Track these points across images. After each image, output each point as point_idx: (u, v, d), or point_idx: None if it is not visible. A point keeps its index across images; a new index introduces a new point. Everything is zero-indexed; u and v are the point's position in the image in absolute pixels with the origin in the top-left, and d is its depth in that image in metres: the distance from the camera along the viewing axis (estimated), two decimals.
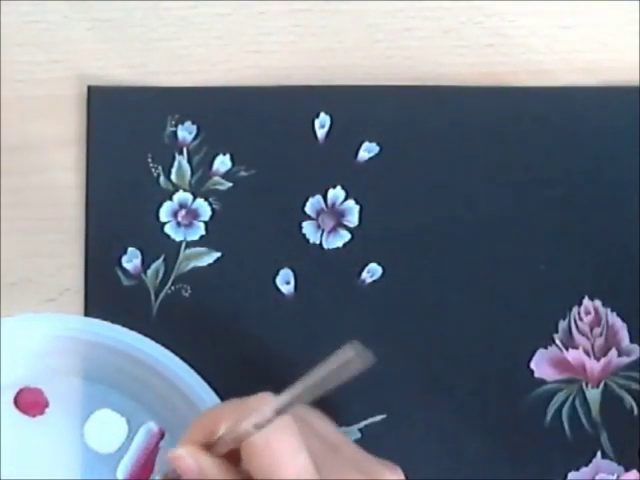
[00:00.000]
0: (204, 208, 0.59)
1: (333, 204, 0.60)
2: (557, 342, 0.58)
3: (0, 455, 0.56)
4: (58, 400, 0.56)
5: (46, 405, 0.56)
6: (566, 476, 0.57)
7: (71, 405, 0.56)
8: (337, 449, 0.51)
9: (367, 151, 0.60)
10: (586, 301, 0.59)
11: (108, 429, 0.56)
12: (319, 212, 0.59)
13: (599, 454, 0.57)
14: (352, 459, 0.51)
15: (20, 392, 0.56)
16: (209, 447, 0.48)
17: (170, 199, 0.59)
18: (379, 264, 0.59)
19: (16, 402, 0.56)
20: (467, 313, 0.58)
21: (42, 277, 0.59)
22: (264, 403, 0.47)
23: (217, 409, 0.51)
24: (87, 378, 0.56)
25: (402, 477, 0.51)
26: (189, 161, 0.60)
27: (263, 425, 0.46)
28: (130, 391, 0.56)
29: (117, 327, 0.55)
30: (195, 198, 0.59)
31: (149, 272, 0.59)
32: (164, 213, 0.59)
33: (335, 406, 0.58)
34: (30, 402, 0.56)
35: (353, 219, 0.59)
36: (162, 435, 0.56)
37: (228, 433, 0.48)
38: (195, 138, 0.60)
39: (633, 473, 0.57)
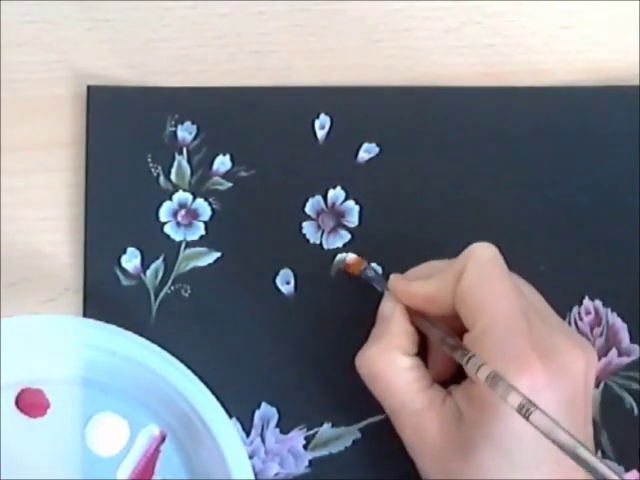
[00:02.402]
0: (204, 208, 0.59)
1: (333, 204, 0.60)
2: None
3: (0, 456, 0.56)
4: (59, 402, 0.56)
5: (47, 406, 0.56)
6: None
7: (72, 407, 0.56)
8: (544, 316, 0.52)
9: (367, 151, 0.60)
10: (586, 301, 0.59)
11: (109, 432, 0.56)
12: (319, 212, 0.59)
13: (599, 454, 0.57)
14: (558, 325, 0.53)
15: (21, 393, 0.56)
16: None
17: (170, 199, 0.59)
18: (379, 264, 0.59)
19: (17, 403, 0.56)
20: None
21: (42, 277, 0.59)
22: None
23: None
24: (88, 380, 0.56)
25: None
26: (189, 161, 0.60)
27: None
28: (131, 394, 0.55)
29: (116, 328, 0.55)
30: (195, 198, 0.59)
31: (148, 272, 0.58)
32: (164, 213, 0.59)
33: (335, 406, 0.58)
34: (31, 403, 0.56)
35: (353, 219, 0.59)
36: (163, 438, 0.56)
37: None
38: (195, 138, 0.60)
39: (633, 473, 0.57)
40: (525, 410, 0.47)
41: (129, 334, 0.54)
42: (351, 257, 0.58)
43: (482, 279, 0.51)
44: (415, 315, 0.54)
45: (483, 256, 0.52)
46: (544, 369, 0.49)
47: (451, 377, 0.54)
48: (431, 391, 0.53)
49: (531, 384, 0.48)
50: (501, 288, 0.51)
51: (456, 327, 0.52)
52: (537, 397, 0.48)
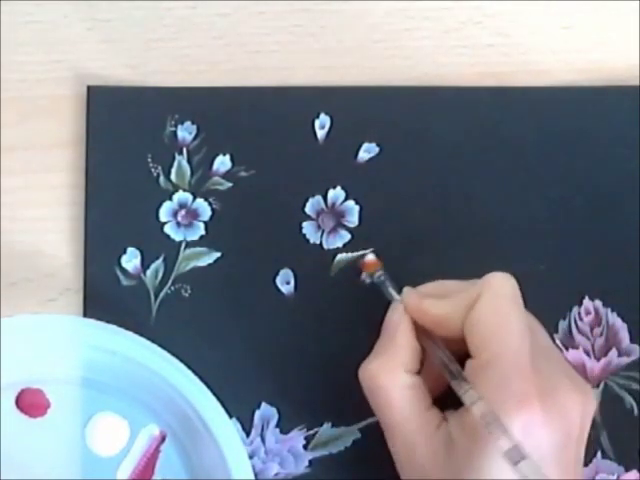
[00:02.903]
0: (204, 208, 0.59)
1: (333, 204, 0.60)
2: (557, 342, 0.58)
3: (0, 456, 0.56)
4: (60, 402, 0.56)
5: (48, 406, 0.56)
6: None
7: (72, 407, 0.56)
8: (549, 356, 0.52)
9: (367, 151, 0.60)
10: (586, 301, 0.59)
11: (109, 432, 0.56)
12: (319, 212, 0.59)
13: (599, 454, 0.57)
14: (562, 366, 0.52)
15: (22, 393, 0.56)
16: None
17: (170, 199, 0.59)
18: None
19: (17, 403, 0.56)
20: None
21: (42, 277, 0.59)
22: None
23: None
24: (88, 380, 0.56)
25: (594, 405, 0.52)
26: (189, 161, 0.60)
27: None
28: (131, 394, 0.55)
29: (116, 328, 0.55)
30: (195, 198, 0.59)
31: (149, 272, 0.58)
32: (164, 213, 0.59)
33: (335, 406, 0.58)
34: (31, 403, 0.56)
35: (353, 219, 0.59)
36: (163, 438, 0.56)
37: None
38: (195, 138, 0.60)
39: (633, 473, 0.57)
40: (513, 455, 0.47)
41: (129, 334, 0.54)
42: (370, 257, 0.58)
43: (496, 312, 0.51)
44: (421, 332, 0.54)
45: (501, 289, 0.52)
46: (542, 409, 0.49)
47: (442, 394, 0.54)
48: (428, 414, 0.52)
49: (527, 421, 0.48)
50: (513, 324, 0.51)
51: (456, 350, 0.52)
52: (531, 435, 0.48)
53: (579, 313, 0.59)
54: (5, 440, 0.56)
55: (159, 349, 0.54)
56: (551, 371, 0.51)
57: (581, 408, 0.50)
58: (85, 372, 0.56)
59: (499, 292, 0.52)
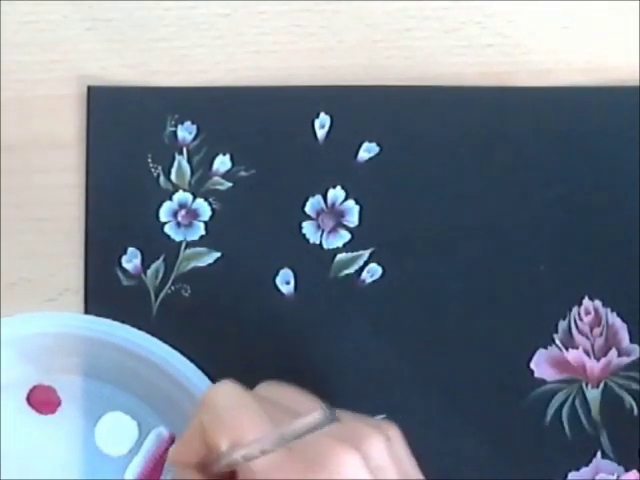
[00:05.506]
0: (204, 208, 0.59)
1: (333, 204, 0.60)
2: (557, 342, 0.58)
3: (11, 452, 0.56)
4: (71, 399, 0.56)
5: (58, 404, 0.56)
6: (566, 476, 0.57)
7: (83, 405, 0.56)
8: None
9: (367, 151, 0.60)
10: (586, 301, 0.59)
11: (119, 432, 0.56)
12: (319, 212, 0.59)
13: (599, 454, 0.58)
14: None
15: (33, 389, 0.56)
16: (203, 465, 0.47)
17: (170, 199, 0.59)
18: (379, 264, 0.59)
19: (29, 399, 0.56)
20: (467, 313, 0.59)
21: (42, 277, 0.59)
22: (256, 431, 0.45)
23: (214, 426, 0.47)
24: (98, 378, 0.56)
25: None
26: (189, 161, 0.60)
27: (254, 457, 0.45)
28: (140, 393, 0.56)
29: (123, 325, 0.54)
30: (195, 198, 0.59)
31: (149, 272, 0.59)
32: (164, 213, 0.59)
33: (335, 407, 0.58)
34: (43, 400, 0.56)
35: (353, 219, 0.59)
36: (172, 440, 0.56)
37: (222, 457, 0.46)
38: (195, 138, 0.60)
39: (633, 473, 0.57)
40: None
41: (134, 330, 0.54)
42: None
43: None
44: None
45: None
46: None
47: None
48: None
49: None
50: None
51: None
52: None
53: (579, 313, 0.59)
54: (15, 436, 0.56)
55: (165, 346, 0.54)
56: None
57: None
58: (94, 370, 0.56)
59: None
